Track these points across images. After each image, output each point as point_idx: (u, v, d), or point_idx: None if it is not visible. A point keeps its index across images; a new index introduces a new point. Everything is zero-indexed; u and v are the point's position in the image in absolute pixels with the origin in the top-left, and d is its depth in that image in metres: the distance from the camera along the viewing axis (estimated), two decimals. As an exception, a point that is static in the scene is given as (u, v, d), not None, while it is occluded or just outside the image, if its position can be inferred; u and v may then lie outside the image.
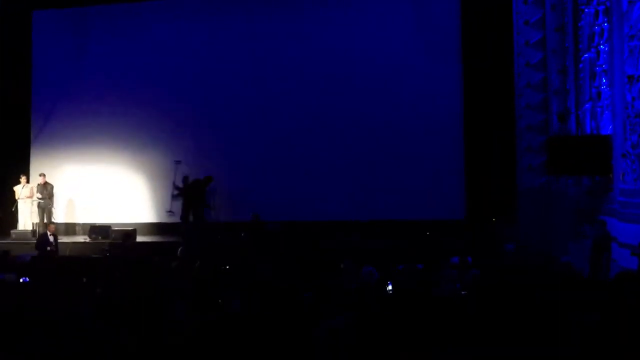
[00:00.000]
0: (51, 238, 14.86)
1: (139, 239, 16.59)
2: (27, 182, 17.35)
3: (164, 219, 18.12)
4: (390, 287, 8.54)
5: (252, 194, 16.86)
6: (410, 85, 16.80)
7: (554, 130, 14.38)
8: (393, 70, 16.91)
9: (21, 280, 9.92)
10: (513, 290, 6.67)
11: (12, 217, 17.41)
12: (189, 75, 18.05)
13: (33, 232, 16.92)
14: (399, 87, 16.85)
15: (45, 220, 17.00)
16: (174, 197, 17.21)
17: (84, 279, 9.74)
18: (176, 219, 17.58)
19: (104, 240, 16.05)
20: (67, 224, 18.30)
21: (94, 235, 16.57)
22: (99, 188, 18.33)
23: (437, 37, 16.76)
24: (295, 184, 17.04)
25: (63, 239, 16.91)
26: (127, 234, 15.41)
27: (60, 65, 18.78)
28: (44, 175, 17.18)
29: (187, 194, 16.65)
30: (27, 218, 17.32)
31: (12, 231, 16.94)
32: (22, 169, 18.03)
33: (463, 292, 7.32)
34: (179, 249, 12.48)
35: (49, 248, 14.57)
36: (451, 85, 16.58)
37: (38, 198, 16.93)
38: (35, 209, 17.09)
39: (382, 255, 12.50)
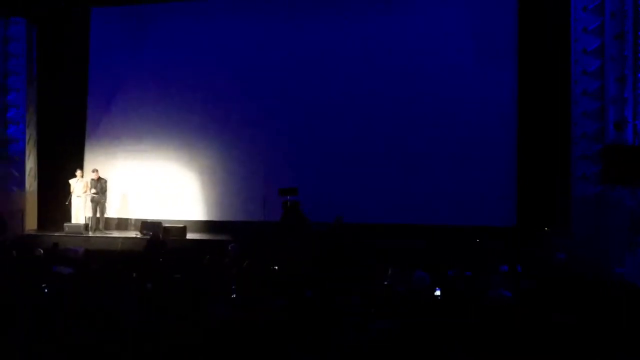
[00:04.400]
0: None
1: (190, 236, 16.75)
2: (82, 176, 17.62)
3: (214, 216, 18.27)
4: (438, 293, 8.46)
5: (301, 196, 16.81)
6: (465, 89, 16.65)
7: (610, 139, 14.13)
8: (448, 74, 16.78)
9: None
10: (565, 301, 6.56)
11: (66, 211, 17.74)
12: (246, 73, 18.13)
13: (86, 226, 17.20)
14: (453, 91, 16.71)
15: (98, 215, 17.28)
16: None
17: (134, 274, 9.84)
18: (226, 217, 17.85)
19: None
20: (119, 219, 18.55)
21: (145, 231, 16.77)
22: (153, 184, 18.56)
23: (494, 41, 16.58)
24: (344, 186, 17.03)
25: (114, 234, 17.21)
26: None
27: (116, 62, 19.04)
28: (97, 170, 17.42)
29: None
30: (80, 212, 17.60)
31: (65, 224, 17.21)
32: (77, 163, 18.35)
33: (513, 302, 7.21)
34: (230, 246, 12.53)
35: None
36: (506, 90, 16.39)
37: (92, 193, 17.19)
38: (89, 203, 17.36)
39: (432, 260, 12.39)
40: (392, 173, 16.97)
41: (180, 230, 16.59)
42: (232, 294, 8.31)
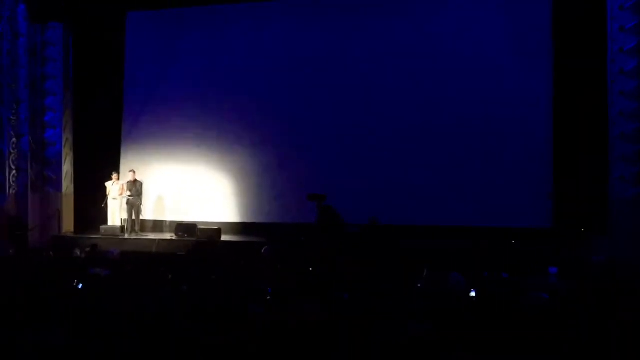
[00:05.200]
0: None
1: (224, 238, 16.80)
2: (118, 179, 17.79)
3: (247, 218, 18.32)
4: (473, 294, 8.39)
5: (334, 197, 16.78)
6: (499, 89, 16.50)
7: (649, 139, 13.95)
8: (483, 73, 16.62)
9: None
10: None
11: (101, 213, 17.90)
12: (279, 77, 18.17)
13: (122, 228, 17.34)
14: (488, 90, 16.56)
15: (133, 217, 17.42)
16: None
17: (170, 276, 9.87)
18: (259, 219, 17.90)
19: (190, 239, 16.31)
20: (155, 221, 18.69)
21: (180, 233, 16.88)
22: (187, 186, 18.65)
23: (529, 40, 16.38)
24: (377, 187, 16.97)
25: (150, 236, 17.33)
26: (212, 236, 15.58)
27: (151, 65, 19.18)
28: (134, 172, 17.59)
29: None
30: (116, 214, 17.76)
31: (101, 227, 17.37)
32: (113, 166, 18.53)
33: (551, 303, 7.12)
34: (264, 248, 12.53)
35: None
36: (542, 90, 16.21)
37: (128, 195, 17.34)
38: (125, 205, 17.51)
39: (467, 261, 12.30)
40: (426, 174, 16.85)
41: (215, 232, 16.66)
42: (267, 296, 8.31)
